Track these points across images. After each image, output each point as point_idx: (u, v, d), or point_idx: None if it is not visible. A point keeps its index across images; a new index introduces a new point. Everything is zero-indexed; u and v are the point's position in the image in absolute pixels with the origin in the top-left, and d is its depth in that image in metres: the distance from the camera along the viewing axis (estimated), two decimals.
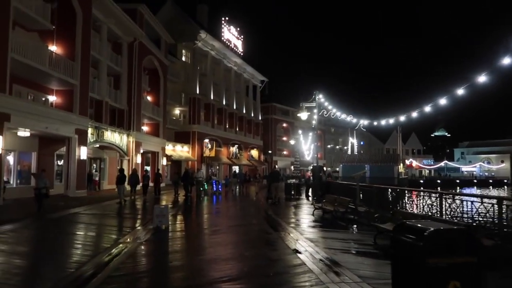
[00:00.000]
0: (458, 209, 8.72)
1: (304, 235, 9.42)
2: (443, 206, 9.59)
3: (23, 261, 7.04)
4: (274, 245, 8.23)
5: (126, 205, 16.85)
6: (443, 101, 16.67)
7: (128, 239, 8.83)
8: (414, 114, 19.42)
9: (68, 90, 23.09)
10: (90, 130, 24.80)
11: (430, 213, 10.26)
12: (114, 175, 24.59)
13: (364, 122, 19.88)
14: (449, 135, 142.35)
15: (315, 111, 20.04)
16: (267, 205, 18.19)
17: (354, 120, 20.12)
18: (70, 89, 22.98)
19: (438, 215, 9.63)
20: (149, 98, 37.13)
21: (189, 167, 33.69)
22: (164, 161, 37.45)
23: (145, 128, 36.89)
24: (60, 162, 24.32)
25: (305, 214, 14.64)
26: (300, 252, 7.40)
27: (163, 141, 37.61)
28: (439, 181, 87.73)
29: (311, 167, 29.71)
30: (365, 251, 7.76)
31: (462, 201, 8.71)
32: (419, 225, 3.40)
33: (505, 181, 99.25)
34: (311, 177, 24.82)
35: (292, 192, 23.83)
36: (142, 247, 8.06)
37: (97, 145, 27.25)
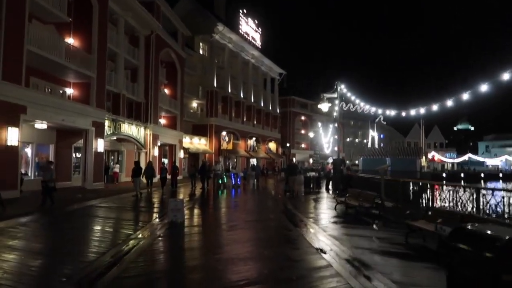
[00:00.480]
0: (498, 206, 7.94)
1: (327, 232, 8.80)
2: (481, 202, 8.83)
3: (23, 258, 6.62)
4: (296, 243, 7.64)
5: (142, 198, 16.52)
6: (467, 95, 15.81)
7: (141, 235, 8.38)
8: (437, 107, 18.49)
9: (85, 82, 22.91)
10: (107, 123, 24.63)
11: (464, 210, 9.50)
12: (131, 167, 24.43)
13: (389, 112, 18.91)
14: (473, 128, 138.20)
15: (337, 102, 19.26)
16: (285, 198, 17.59)
17: (379, 111, 19.20)
18: (87, 81, 22.80)
19: (475, 212, 8.87)
20: (166, 91, 36.89)
21: (206, 160, 33.27)
22: (181, 154, 37.24)
23: (162, 121, 36.69)
24: (78, 155, 24.29)
25: (327, 208, 13.99)
26: (324, 252, 6.80)
27: (181, 134, 37.36)
28: (462, 174, 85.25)
29: (332, 160, 28.92)
30: (397, 251, 7.09)
31: (503, 197, 7.90)
32: (485, 231, 2.74)
33: None
34: (332, 170, 24.12)
35: (311, 186, 23.15)
36: (155, 244, 7.58)
37: (114, 138, 27.11)
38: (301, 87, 76.38)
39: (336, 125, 41.34)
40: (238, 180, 24.58)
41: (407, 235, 7.82)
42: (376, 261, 6.20)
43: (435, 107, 18.99)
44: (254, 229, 9.58)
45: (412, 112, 20.88)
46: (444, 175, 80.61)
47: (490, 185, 69.88)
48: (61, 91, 22.97)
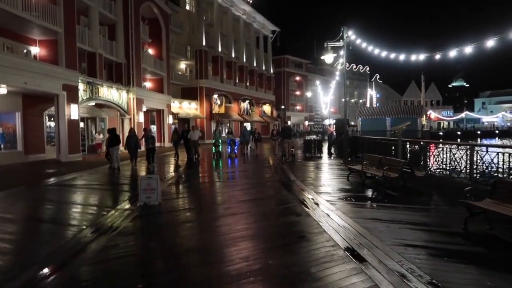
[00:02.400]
0: None
1: (350, 216, 6.54)
2: None
3: None
4: (313, 240, 5.33)
5: (119, 173, 14.12)
6: (469, 48, 13.71)
7: (94, 229, 6.05)
8: (439, 55, 16.04)
9: (51, 40, 19.92)
10: (82, 86, 21.87)
11: None
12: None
13: (393, 55, 16.11)
14: (468, 85, 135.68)
15: (342, 53, 16.62)
16: (285, 166, 15.35)
17: (386, 53, 16.52)
18: (54, 38, 19.80)
19: None
20: (150, 51, 33.72)
21: (195, 125, 30.43)
22: (170, 119, 34.62)
23: (147, 84, 33.84)
24: (53, 124, 21.69)
25: (337, 178, 11.71)
26: (361, 258, 4.51)
27: (168, 98, 34.57)
28: (459, 132, 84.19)
29: (334, 121, 26.50)
30: (463, 249, 4.83)
31: None
32: None
33: None
34: (334, 132, 21.79)
35: (313, 150, 20.83)
36: (108, 249, 5.18)
37: (93, 103, 24.42)
38: (295, 45, 72.89)
39: (338, 77, 38.54)
40: (235, 148, 21.21)
41: (467, 220, 5.57)
42: (448, 276, 3.94)
43: (437, 56, 16.43)
44: (252, 216, 7.21)
45: (414, 57, 18.15)
46: (441, 133, 79.17)
47: (486, 141, 68.53)
48: (25, 50, 20.05)
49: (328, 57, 15.39)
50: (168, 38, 35.10)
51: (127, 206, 7.98)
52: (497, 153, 8.29)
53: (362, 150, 18.28)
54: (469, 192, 5.67)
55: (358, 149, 18.64)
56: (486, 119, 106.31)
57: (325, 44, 15.39)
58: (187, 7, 43.12)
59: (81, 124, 25.24)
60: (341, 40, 15.52)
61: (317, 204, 7.67)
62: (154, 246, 5.44)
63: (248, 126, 48.44)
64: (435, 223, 6.06)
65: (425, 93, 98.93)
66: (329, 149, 21.55)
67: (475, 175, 8.52)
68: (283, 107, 62.10)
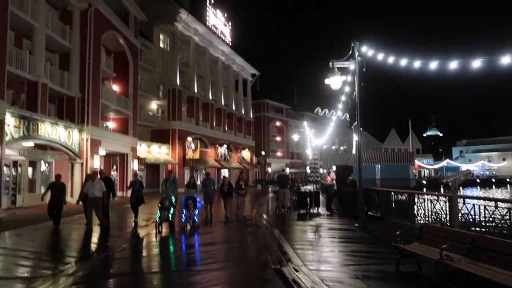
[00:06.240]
0: None
1: None
2: None
3: None
4: None
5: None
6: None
7: None
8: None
9: None
10: (12, 121, 17.04)
11: None
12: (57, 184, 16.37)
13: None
14: (442, 134, 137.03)
15: (349, 78, 12.66)
16: (279, 233, 10.65)
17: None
18: None
19: None
20: (115, 87, 29.42)
21: (103, 170, 23.68)
22: (135, 165, 29.64)
23: (110, 124, 29.21)
24: None
25: (375, 264, 7.03)
26: None
27: (134, 140, 29.79)
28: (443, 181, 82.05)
29: (334, 168, 22.18)
30: None
31: None
32: None
33: (508, 179, 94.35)
34: (335, 182, 17.31)
35: (308, 205, 15.90)
36: None
37: (30, 143, 19.46)
38: (276, 90, 70.50)
39: (332, 123, 34.90)
40: (196, 214, 11.44)
41: None
42: None
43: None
44: None
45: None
46: (424, 182, 76.32)
47: (468, 191, 65.92)
48: None
49: (334, 80, 11.29)
50: (136, 74, 30.94)
51: None
52: None
53: (376, 207, 13.88)
54: None
55: (370, 205, 14.22)
56: (466, 167, 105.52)
57: (330, 63, 11.37)
58: (161, 45, 39.67)
59: (17, 170, 20.19)
60: (350, 59, 11.56)
61: None
62: None
63: (226, 173, 43.72)
64: None
65: (404, 141, 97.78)
66: (328, 203, 17.03)
67: None
68: (263, 153, 58.01)
